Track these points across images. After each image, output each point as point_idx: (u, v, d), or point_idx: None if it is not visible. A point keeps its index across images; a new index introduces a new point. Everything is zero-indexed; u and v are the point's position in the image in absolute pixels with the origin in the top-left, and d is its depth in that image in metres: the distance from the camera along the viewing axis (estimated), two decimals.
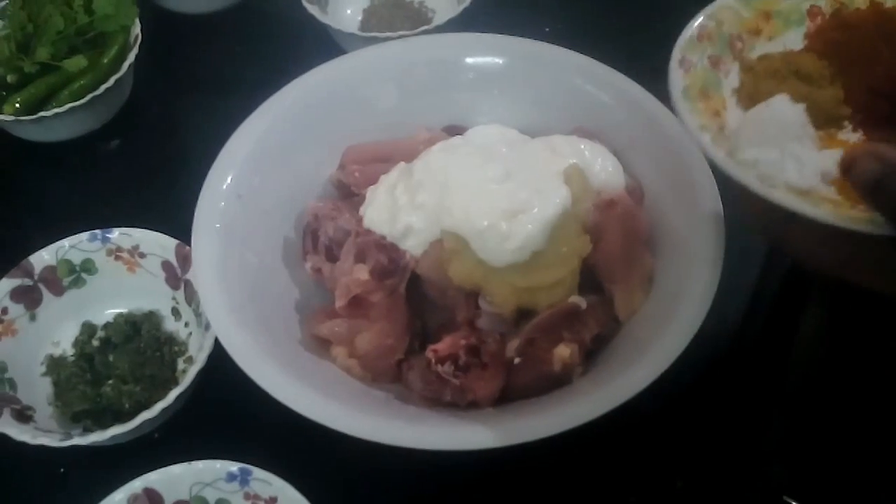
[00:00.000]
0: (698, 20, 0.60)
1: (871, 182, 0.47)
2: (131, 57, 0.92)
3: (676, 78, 0.57)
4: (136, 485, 0.64)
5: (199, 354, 0.70)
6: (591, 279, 0.70)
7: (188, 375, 0.69)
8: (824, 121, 0.57)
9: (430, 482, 0.69)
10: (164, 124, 0.98)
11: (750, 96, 0.58)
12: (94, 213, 0.86)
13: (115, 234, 0.78)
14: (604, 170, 0.72)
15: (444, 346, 0.67)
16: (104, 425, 0.69)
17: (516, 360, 0.67)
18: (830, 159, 0.52)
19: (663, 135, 0.75)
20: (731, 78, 0.60)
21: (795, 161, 0.52)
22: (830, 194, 0.52)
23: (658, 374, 0.61)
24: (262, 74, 0.90)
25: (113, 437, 0.67)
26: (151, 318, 0.78)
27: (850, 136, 0.57)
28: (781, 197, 0.50)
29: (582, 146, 0.73)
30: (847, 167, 0.49)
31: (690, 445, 0.72)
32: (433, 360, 0.66)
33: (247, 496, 0.64)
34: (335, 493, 0.64)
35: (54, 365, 0.76)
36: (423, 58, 0.84)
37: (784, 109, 0.55)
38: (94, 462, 0.71)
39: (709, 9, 0.61)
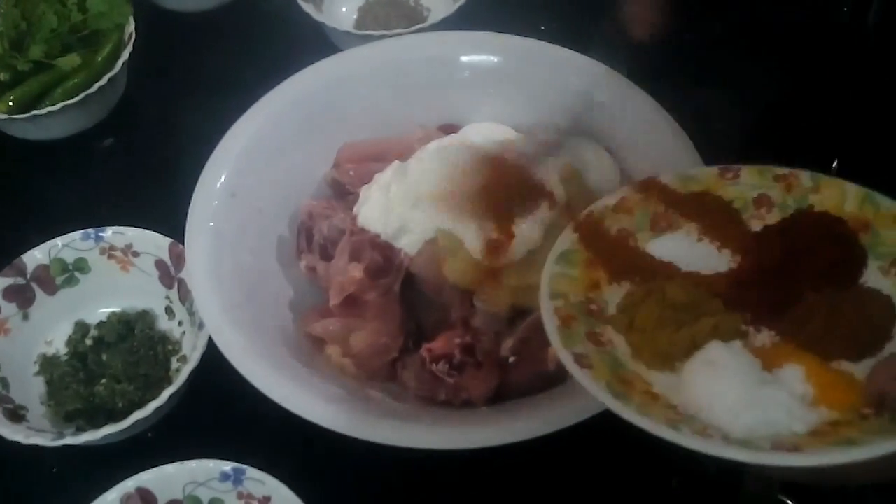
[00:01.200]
0: (546, 304, 0.53)
1: None
2: (125, 55, 0.92)
3: (587, 381, 0.49)
4: (129, 484, 0.64)
5: (192, 353, 0.70)
6: None
7: (181, 375, 0.69)
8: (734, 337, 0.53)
9: (424, 481, 0.69)
10: (158, 123, 0.97)
11: (657, 355, 0.52)
12: (88, 212, 0.86)
13: (109, 232, 0.77)
14: (599, 168, 0.72)
15: (438, 344, 0.67)
16: (97, 425, 0.69)
17: (511, 359, 0.67)
18: (796, 381, 0.49)
19: (658, 133, 0.75)
20: (622, 344, 0.53)
21: (780, 408, 0.48)
22: (831, 415, 0.48)
23: None
24: (256, 72, 0.90)
25: (106, 437, 0.67)
26: (145, 317, 0.78)
27: (763, 338, 0.52)
28: (821, 457, 0.44)
29: (577, 145, 0.73)
30: (880, 403, 0.46)
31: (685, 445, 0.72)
32: (428, 359, 0.66)
33: (240, 496, 0.64)
34: (329, 493, 0.64)
35: (47, 364, 0.76)
36: (418, 56, 0.83)
37: (726, 357, 0.50)
38: (87, 461, 0.70)
39: (544, 288, 0.54)
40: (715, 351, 0.51)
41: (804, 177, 0.58)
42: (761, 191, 0.59)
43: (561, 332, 0.51)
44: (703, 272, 0.57)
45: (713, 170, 0.61)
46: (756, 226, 0.58)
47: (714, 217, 0.59)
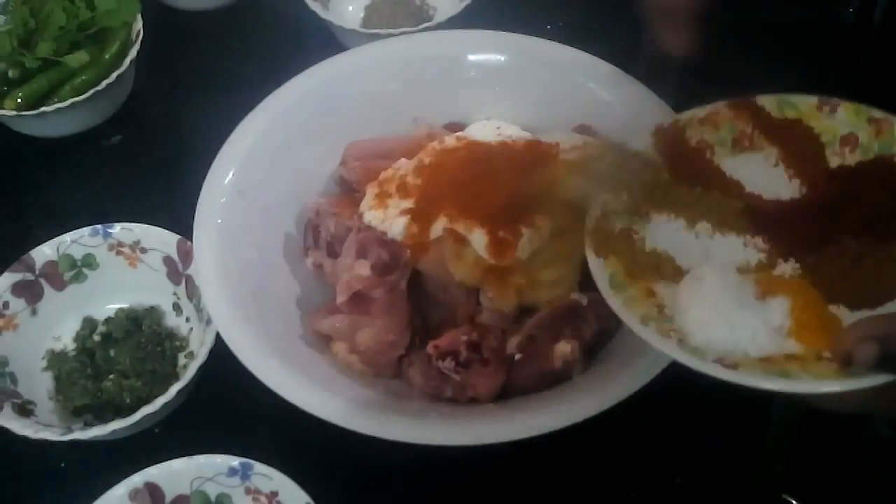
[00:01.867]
0: (594, 213, 0.58)
1: (876, 361, 0.46)
2: (133, 52, 0.92)
3: (598, 269, 0.54)
4: (137, 479, 0.64)
5: (200, 350, 0.70)
6: (592, 276, 0.70)
7: (189, 370, 0.69)
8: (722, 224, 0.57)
9: (430, 477, 0.69)
10: (165, 120, 0.98)
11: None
12: (96, 209, 0.86)
13: (117, 229, 0.78)
14: None
15: (445, 341, 0.67)
16: (105, 420, 0.70)
17: (517, 357, 0.67)
18: (778, 312, 0.51)
19: None
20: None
21: (747, 331, 0.51)
22: (794, 349, 0.50)
23: (658, 372, 0.61)
24: (263, 70, 0.90)
25: (114, 432, 0.67)
26: (152, 313, 0.79)
27: (786, 268, 0.55)
28: (747, 377, 0.49)
29: (584, 143, 0.73)
30: (847, 360, 0.47)
31: (690, 442, 0.72)
32: (434, 356, 0.66)
33: (248, 491, 0.64)
34: (335, 488, 0.64)
35: (55, 359, 0.76)
36: (424, 54, 0.84)
37: (714, 277, 0.53)
38: (95, 456, 0.71)
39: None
40: (707, 269, 0.54)
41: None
42: (852, 130, 0.59)
43: (596, 220, 0.56)
44: (764, 196, 0.58)
45: (812, 99, 0.61)
46: (834, 163, 0.59)
47: (797, 146, 0.60)
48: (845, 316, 0.52)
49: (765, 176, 0.60)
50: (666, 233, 0.58)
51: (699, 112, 0.61)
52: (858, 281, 0.52)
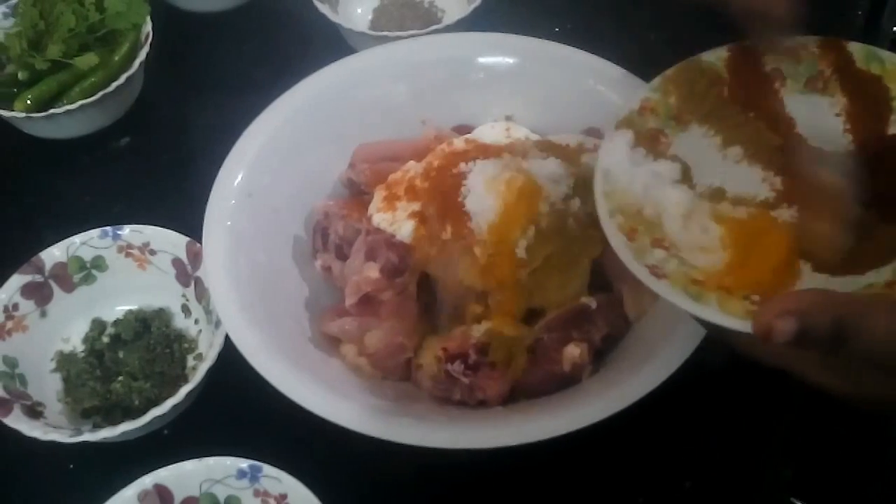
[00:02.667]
0: (609, 226, 0.57)
1: (793, 337, 0.45)
2: (142, 55, 0.92)
3: (664, 290, 0.53)
4: (147, 481, 0.64)
5: (209, 351, 0.70)
6: (600, 279, 0.70)
7: (198, 372, 0.70)
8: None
9: (438, 480, 0.69)
10: (174, 122, 0.98)
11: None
12: (105, 211, 0.86)
13: (126, 231, 0.78)
14: None
15: (453, 344, 0.67)
16: (114, 421, 0.70)
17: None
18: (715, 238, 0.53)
19: None
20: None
21: (678, 256, 0.52)
22: (725, 280, 0.51)
23: (668, 375, 0.61)
24: (272, 73, 0.90)
25: (123, 434, 0.67)
26: (161, 315, 0.79)
27: (782, 213, 0.56)
28: (665, 290, 0.50)
29: (595, 145, 0.73)
30: (765, 336, 0.46)
31: (698, 446, 0.72)
32: (443, 359, 0.66)
33: (256, 493, 0.64)
34: (344, 491, 0.64)
35: (64, 361, 0.76)
36: (433, 57, 0.84)
37: (667, 195, 0.55)
38: (104, 458, 0.71)
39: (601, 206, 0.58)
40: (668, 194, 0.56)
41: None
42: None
43: (629, 247, 0.55)
44: (810, 141, 0.58)
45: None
46: (893, 129, 0.58)
47: (866, 104, 0.59)
48: (807, 275, 0.53)
49: (821, 122, 0.59)
50: (696, 144, 0.58)
51: (787, 42, 0.60)
52: (835, 247, 0.53)
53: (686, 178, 0.58)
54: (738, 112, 0.59)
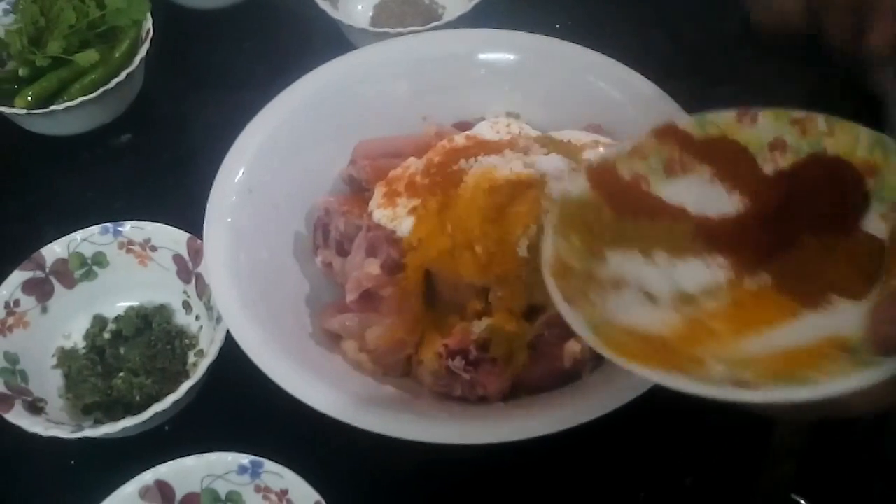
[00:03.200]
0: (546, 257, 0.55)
1: None
2: (143, 51, 0.92)
3: (573, 319, 0.51)
4: (148, 477, 0.64)
5: (210, 348, 0.70)
6: None
7: (199, 368, 0.70)
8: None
9: (439, 476, 0.69)
10: (175, 119, 0.98)
11: None
12: (106, 207, 0.87)
13: (127, 227, 0.78)
14: None
15: (454, 340, 0.67)
16: (115, 418, 0.70)
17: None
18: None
19: None
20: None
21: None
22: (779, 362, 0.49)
23: None
24: (272, 70, 0.90)
25: (124, 430, 0.68)
26: (162, 311, 0.79)
27: (756, 281, 0.54)
28: (766, 394, 0.46)
29: (596, 140, 0.73)
30: (888, 345, 0.45)
31: (700, 442, 0.72)
32: (444, 355, 0.66)
33: (257, 489, 0.64)
34: (346, 486, 0.64)
35: (65, 357, 0.76)
36: (434, 53, 0.84)
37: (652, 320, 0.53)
38: (106, 454, 0.71)
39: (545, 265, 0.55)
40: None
41: (819, 120, 0.58)
42: (777, 134, 0.59)
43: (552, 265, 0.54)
44: (711, 215, 0.58)
45: (731, 113, 0.60)
46: (769, 169, 0.58)
47: (728, 160, 0.59)
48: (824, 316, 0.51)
49: (705, 195, 0.59)
50: (626, 268, 0.56)
51: (625, 146, 0.60)
52: (836, 275, 0.52)
53: (648, 297, 0.55)
54: (633, 224, 0.58)
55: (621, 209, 0.58)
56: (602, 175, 0.59)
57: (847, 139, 0.57)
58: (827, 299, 0.52)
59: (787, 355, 0.49)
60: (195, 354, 0.77)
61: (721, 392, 0.46)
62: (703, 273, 0.55)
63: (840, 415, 0.48)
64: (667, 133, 0.60)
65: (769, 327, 0.52)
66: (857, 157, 0.56)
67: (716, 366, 0.49)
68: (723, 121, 0.60)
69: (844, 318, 0.51)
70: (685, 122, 0.61)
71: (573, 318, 0.51)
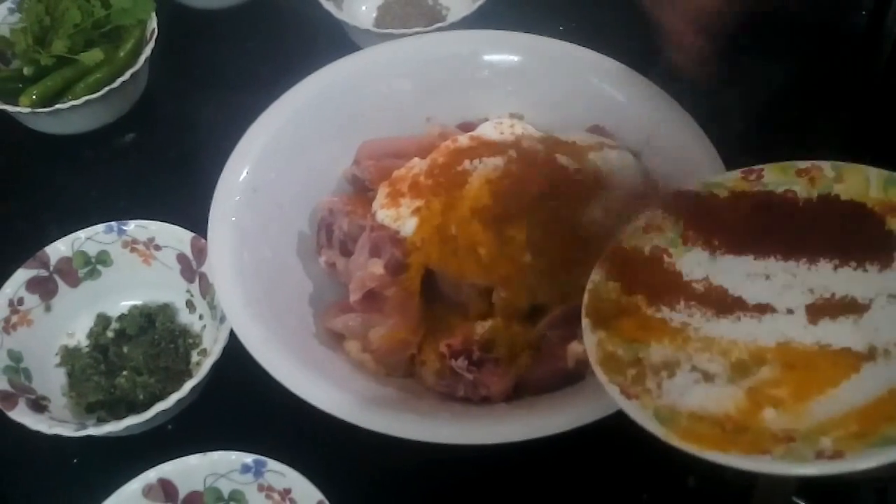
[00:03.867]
0: (592, 356, 0.54)
1: None
2: (147, 51, 0.93)
3: (636, 411, 0.50)
4: (151, 475, 0.64)
5: (214, 347, 0.70)
6: None
7: (203, 367, 0.70)
8: None
9: (442, 476, 0.69)
10: (179, 118, 0.98)
11: None
12: (110, 206, 0.87)
13: (131, 226, 0.78)
14: (622, 168, 0.72)
15: (457, 340, 0.67)
16: (118, 416, 0.70)
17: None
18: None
19: (677, 133, 0.75)
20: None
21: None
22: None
23: None
24: (276, 70, 0.90)
25: (127, 428, 0.68)
26: (166, 310, 0.79)
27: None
28: (861, 461, 0.44)
29: (601, 142, 0.73)
30: None
31: None
32: (447, 355, 0.66)
33: (260, 488, 0.64)
34: (348, 486, 0.64)
35: (69, 356, 0.77)
36: (438, 54, 0.84)
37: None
38: (109, 453, 0.71)
39: (587, 341, 0.55)
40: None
41: (826, 168, 0.58)
42: (786, 187, 0.59)
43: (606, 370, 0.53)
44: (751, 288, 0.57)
45: (736, 174, 0.61)
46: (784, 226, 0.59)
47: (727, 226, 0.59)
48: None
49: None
50: (671, 349, 0.55)
51: (638, 222, 0.61)
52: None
53: (703, 375, 0.53)
54: (667, 302, 0.57)
55: (648, 290, 0.58)
56: (616, 258, 0.59)
57: (857, 181, 0.57)
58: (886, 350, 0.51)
59: (859, 414, 0.48)
60: (198, 353, 0.77)
61: (813, 468, 0.45)
62: (751, 335, 0.54)
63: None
64: (677, 200, 0.61)
65: (833, 387, 0.50)
66: (872, 199, 0.56)
67: (795, 442, 0.47)
68: (730, 182, 0.61)
69: None
70: (692, 187, 0.61)
71: (637, 412, 0.50)
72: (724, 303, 0.56)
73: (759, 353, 0.53)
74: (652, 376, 0.53)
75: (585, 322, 0.56)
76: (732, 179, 0.61)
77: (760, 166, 0.60)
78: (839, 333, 0.53)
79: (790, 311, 0.55)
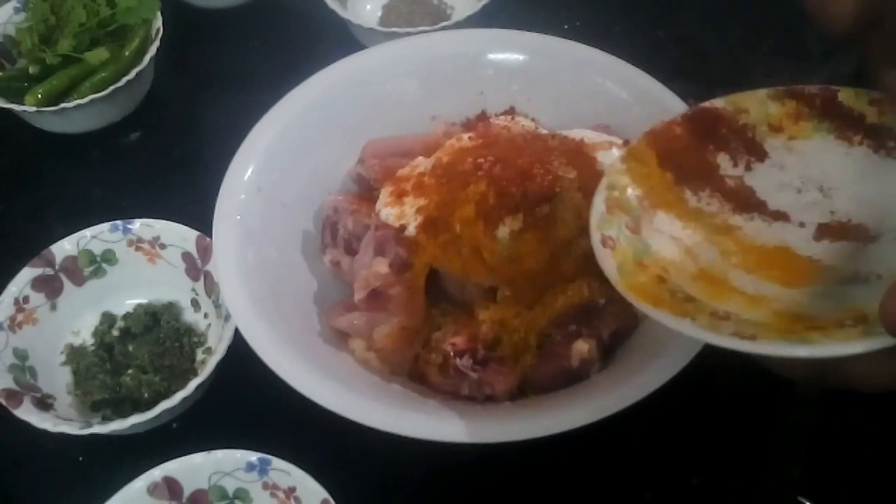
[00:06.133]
0: (600, 195, 0.58)
1: None
2: (152, 50, 0.93)
3: (606, 261, 0.54)
4: (156, 473, 0.64)
5: (218, 345, 0.71)
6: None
7: (208, 366, 0.70)
8: None
9: (446, 475, 0.69)
10: (184, 117, 0.98)
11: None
12: (115, 205, 0.87)
13: (137, 224, 0.78)
14: None
15: (462, 339, 0.67)
16: (123, 414, 0.70)
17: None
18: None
19: None
20: (656, 239, 0.57)
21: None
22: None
23: (676, 372, 0.61)
24: (281, 69, 0.90)
25: (132, 426, 0.68)
26: (171, 308, 0.79)
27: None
28: (769, 347, 0.47)
29: (609, 141, 0.73)
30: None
31: (706, 443, 0.72)
32: (451, 354, 0.66)
33: (265, 486, 0.64)
34: (353, 484, 0.64)
35: (74, 354, 0.77)
36: (443, 53, 0.84)
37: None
38: (114, 451, 0.71)
39: (605, 180, 0.59)
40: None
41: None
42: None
43: (602, 217, 0.57)
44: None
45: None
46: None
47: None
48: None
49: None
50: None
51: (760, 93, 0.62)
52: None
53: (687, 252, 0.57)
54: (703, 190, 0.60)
55: (680, 171, 0.60)
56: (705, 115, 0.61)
57: None
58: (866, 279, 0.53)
59: (806, 319, 0.50)
60: (203, 352, 0.77)
61: (723, 341, 0.48)
62: (755, 234, 0.57)
63: (842, 386, 0.50)
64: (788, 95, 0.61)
65: (790, 288, 0.53)
66: None
67: (729, 320, 0.51)
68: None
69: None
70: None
71: (606, 258, 0.54)
72: (745, 202, 0.59)
73: (750, 248, 0.57)
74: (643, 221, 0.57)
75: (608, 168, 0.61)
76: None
77: (836, 87, 0.60)
78: (833, 254, 0.55)
79: (802, 225, 0.57)
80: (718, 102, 0.62)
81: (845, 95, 0.59)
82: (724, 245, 0.57)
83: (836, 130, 0.60)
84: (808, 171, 0.60)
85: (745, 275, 0.55)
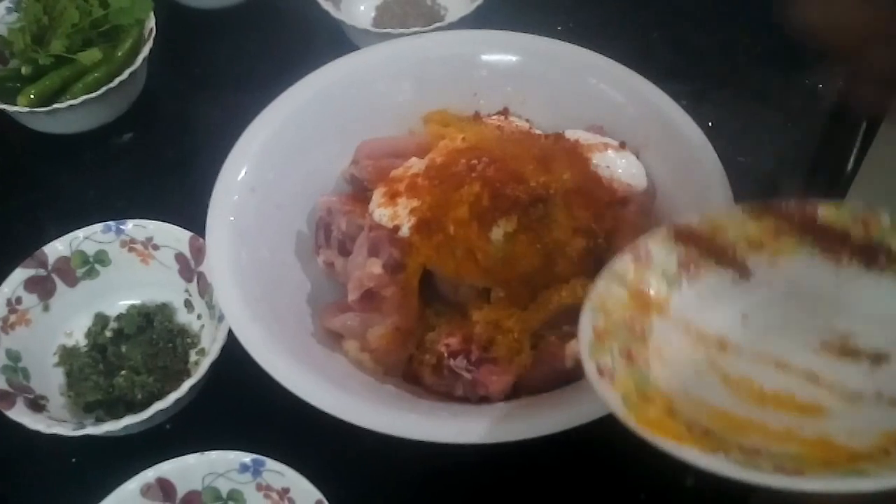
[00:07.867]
0: (586, 318, 0.54)
1: None
2: (145, 50, 0.93)
3: (607, 393, 0.51)
4: (150, 475, 0.64)
5: (212, 346, 0.70)
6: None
7: (201, 367, 0.70)
8: None
9: (441, 476, 0.69)
10: (177, 118, 0.98)
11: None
12: (108, 205, 0.87)
13: (130, 225, 0.78)
14: (625, 168, 0.73)
15: (456, 340, 0.67)
16: (116, 416, 0.70)
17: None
18: None
19: (676, 133, 0.75)
20: (654, 366, 0.55)
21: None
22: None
23: None
24: (274, 70, 0.90)
25: (126, 428, 0.68)
26: (164, 309, 0.79)
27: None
28: (820, 483, 0.44)
29: (605, 143, 0.73)
30: None
31: None
32: (445, 355, 0.66)
33: (259, 487, 0.64)
34: (347, 485, 0.64)
35: (67, 355, 0.76)
36: (437, 54, 0.84)
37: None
38: (107, 452, 0.71)
39: (589, 303, 0.56)
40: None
41: (883, 218, 0.56)
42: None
43: (592, 344, 0.53)
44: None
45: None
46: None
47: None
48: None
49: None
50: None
51: (735, 211, 0.61)
52: None
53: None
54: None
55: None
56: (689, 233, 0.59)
57: None
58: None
59: (837, 447, 0.49)
60: (197, 353, 0.77)
61: (767, 479, 0.45)
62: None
63: None
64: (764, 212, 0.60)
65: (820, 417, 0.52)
66: None
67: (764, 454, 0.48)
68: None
69: None
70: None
71: (602, 387, 0.51)
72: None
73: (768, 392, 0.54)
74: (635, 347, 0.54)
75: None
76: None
77: (814, 203, 0.58)
78: (841, 373, 0.54)
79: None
80: (694, 220, 0.60)
81: (825, 212, 0.58)
82: (723, 373, 0.55)
83: (820, 247, 0.58)
84: (798, 288, 0.58)
85: (756, 407, 0.53)
